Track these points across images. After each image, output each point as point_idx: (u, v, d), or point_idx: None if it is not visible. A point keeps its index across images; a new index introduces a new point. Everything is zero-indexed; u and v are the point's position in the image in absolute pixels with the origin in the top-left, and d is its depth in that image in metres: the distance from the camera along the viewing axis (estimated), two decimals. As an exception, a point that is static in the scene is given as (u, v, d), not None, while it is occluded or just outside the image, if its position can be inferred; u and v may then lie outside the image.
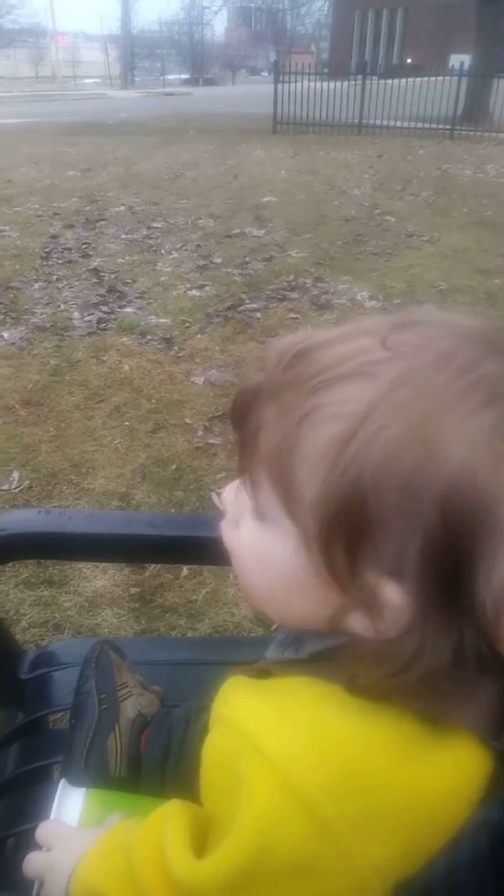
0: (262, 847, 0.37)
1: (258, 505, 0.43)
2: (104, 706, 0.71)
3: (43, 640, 1.72)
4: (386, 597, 0.37)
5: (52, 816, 0.68)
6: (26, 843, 0.71)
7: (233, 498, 0.48)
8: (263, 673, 0.46)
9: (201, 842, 0.45)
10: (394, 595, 0.37)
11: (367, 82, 13.49)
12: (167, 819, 0.48)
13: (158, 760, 0.68)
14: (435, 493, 0.35)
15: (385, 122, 13.06)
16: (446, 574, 0.36)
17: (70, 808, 0.69)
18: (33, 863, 0.59)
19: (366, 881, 0.37)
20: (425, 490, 0.35)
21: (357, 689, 0.39)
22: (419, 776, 0.38)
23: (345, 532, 0.37)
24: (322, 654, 0.43)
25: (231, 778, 0.40)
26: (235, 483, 0.48)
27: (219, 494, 2.32)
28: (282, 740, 0.38)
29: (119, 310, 3.94)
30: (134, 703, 0.72)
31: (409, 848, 0.37)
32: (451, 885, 0.36)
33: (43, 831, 0.62)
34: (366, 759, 0.38)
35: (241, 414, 0.44)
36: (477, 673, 0.38)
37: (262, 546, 0.44)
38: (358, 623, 0.39)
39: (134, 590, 1.89)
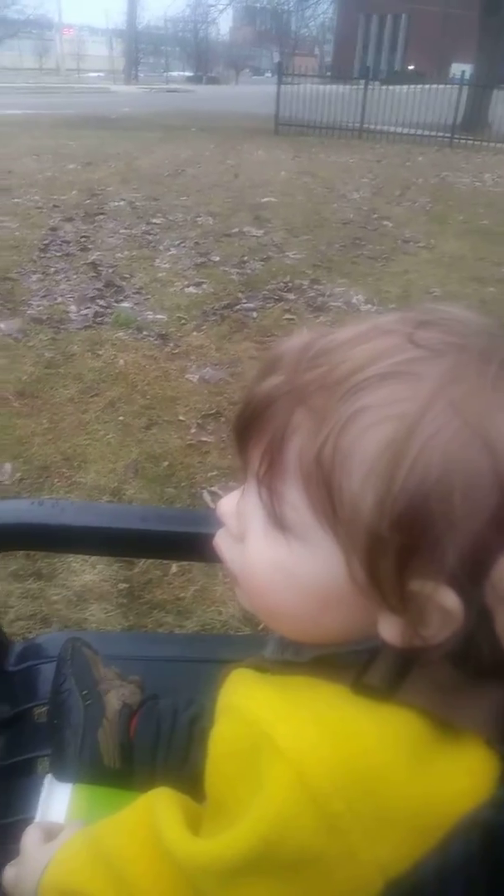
0: (271, 838, 0.36)
1: (280, 518, 0.40)
2: (88, 702, 0.71)
3: (30, 632, 1.71)
4: (442, 604, 0.35)
5: (38, 813, 0.68)
6: (11, 836, 0.70)
7: (233, 510, 0.44)
8: (261, 669, 0.45)
9: (193, 828, 0.44)
10: (450, 602, 0.35)
11: (370, 87, 13.55)
12: (159, 802, 0.48)
13: (149, 748, 0.69)
14: (500, 491, 0.34)
15: (386, 128, 13.12)
16: (491, 576, 0.35)
17: (57, 804, 0.69)
18: (6, 876, 0.60)
19: (369, 878, 0.36)
20: (492, 488, 0.34)
21: (363, 689, 0.39)
22: (432, 780, 0.37)
23: (400, 541, 0.35)
24: (323, 659, 0.42)
25: (242, 769, 0.39)
26: (235, 494, 0.44)
27: (211, 493, 2.32)
28: (296, 733, 0.37)
29: (116, 304, 3.92)
30: (117, 695, 0.72)
31: (416, 849, 0.37)
32: (441, 882, 0.36)
33: (22, 840, 0.61)
34: (379, 757, 0.37)
35: (256, 421, 0.40)
36: (482, 674, 0.38)
37: (286, 562, 0.40)
38: (395, 632, 0.38)
39: (122, 585, 1.89)
